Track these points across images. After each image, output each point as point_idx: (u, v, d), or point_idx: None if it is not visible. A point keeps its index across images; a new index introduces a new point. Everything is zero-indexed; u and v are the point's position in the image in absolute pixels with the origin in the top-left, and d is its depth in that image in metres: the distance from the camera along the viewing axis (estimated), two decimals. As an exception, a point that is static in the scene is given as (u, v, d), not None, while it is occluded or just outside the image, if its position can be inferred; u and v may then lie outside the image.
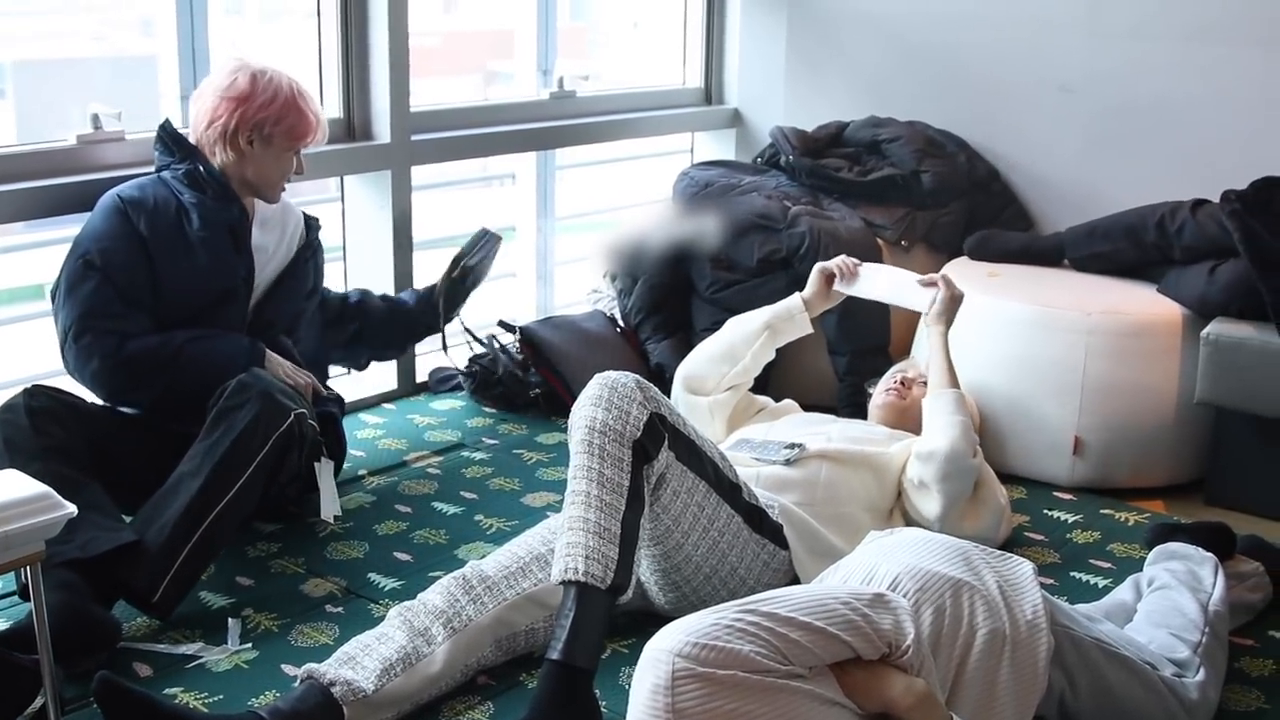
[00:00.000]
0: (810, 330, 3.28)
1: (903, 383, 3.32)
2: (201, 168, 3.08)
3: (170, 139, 3.13)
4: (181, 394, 2.96)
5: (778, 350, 3.29)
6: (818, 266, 3.30)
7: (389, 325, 3.66)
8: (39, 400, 2.81)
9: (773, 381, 3.65)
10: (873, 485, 2.96)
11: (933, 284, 3.19)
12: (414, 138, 3.99)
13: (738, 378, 3.21)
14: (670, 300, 4.12)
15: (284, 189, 3.21)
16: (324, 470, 3.03)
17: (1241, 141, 4.00)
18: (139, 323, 2.98)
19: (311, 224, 3.38)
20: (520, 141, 4.43)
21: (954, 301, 3.17)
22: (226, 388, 2.83)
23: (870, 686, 1.93)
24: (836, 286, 3.28)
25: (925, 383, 3.26)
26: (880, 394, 3.36)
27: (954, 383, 3.07)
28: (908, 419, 3.23)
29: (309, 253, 3.34)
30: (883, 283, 3.29)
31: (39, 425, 2.75)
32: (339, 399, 3.39)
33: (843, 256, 3.31)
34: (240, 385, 2.83)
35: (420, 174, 4.15)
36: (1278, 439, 3.43)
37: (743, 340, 3.23)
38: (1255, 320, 3.40)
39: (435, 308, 3.69)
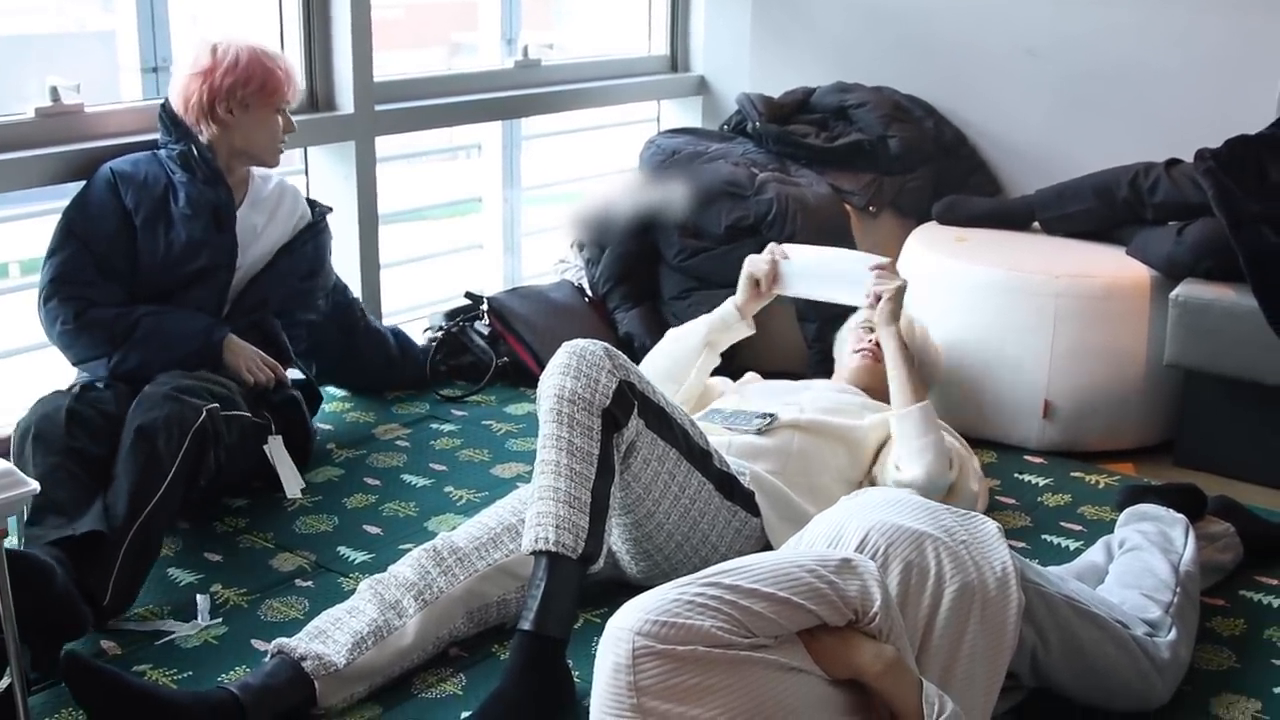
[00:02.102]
0: (752, 331, 3.24)
1: (876, 343, 3.31)
2: (195, 149, 3.16)
3: (169, 119, 3.20)
4: (139, 365, 2.98)
5: None
6: (745, 269, 3.23)
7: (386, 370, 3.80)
8: (81, 405, 2.84)
9: (742, 350, 3.63)
10: (845, 457, 2.95)
11: (882, 269, 3.09)
12: (377, 108, 3.96)
13: (686, 394, 3.16)
14: (638, 269, 4.10)
15: (281, 149, 3.28)
16: (275, 448, 3.05)
17: (1207, 104, 4.00)
18: (109, 293, 3.06)
19: (317, 208, 3.44)
20: (485, 111, 4.40)
21: (899, 295, 3.06)
22: (141, 398, 2.82)
23: (838, 654, 1.92)
24: (765, 290, 3.22)
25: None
26: (851, 354, 3.32)
27: (917, 389, 2.99)
28: (880, 380, 3.23)
29: (309, 234, 3.38)
30: (815, 278, 3.20)
31: (71, 428, 2.77)
32: (311, 384, 3.38)
33: (769, 250, 3.24)
34: (147, 393, 2.82)
35: (386, 145, 4.12)
36: (1246, 400, 3.44)
37: (685, 359, 3.18)
38: (1223, 281, 3.40)
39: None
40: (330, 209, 3.50)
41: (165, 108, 3.20)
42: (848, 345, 3.36)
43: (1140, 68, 4.15)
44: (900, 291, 3.05)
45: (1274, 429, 3.41)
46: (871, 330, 3.32)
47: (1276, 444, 3.37)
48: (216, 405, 2.82)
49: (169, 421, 2.73)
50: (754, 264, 3.22)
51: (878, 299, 3.04)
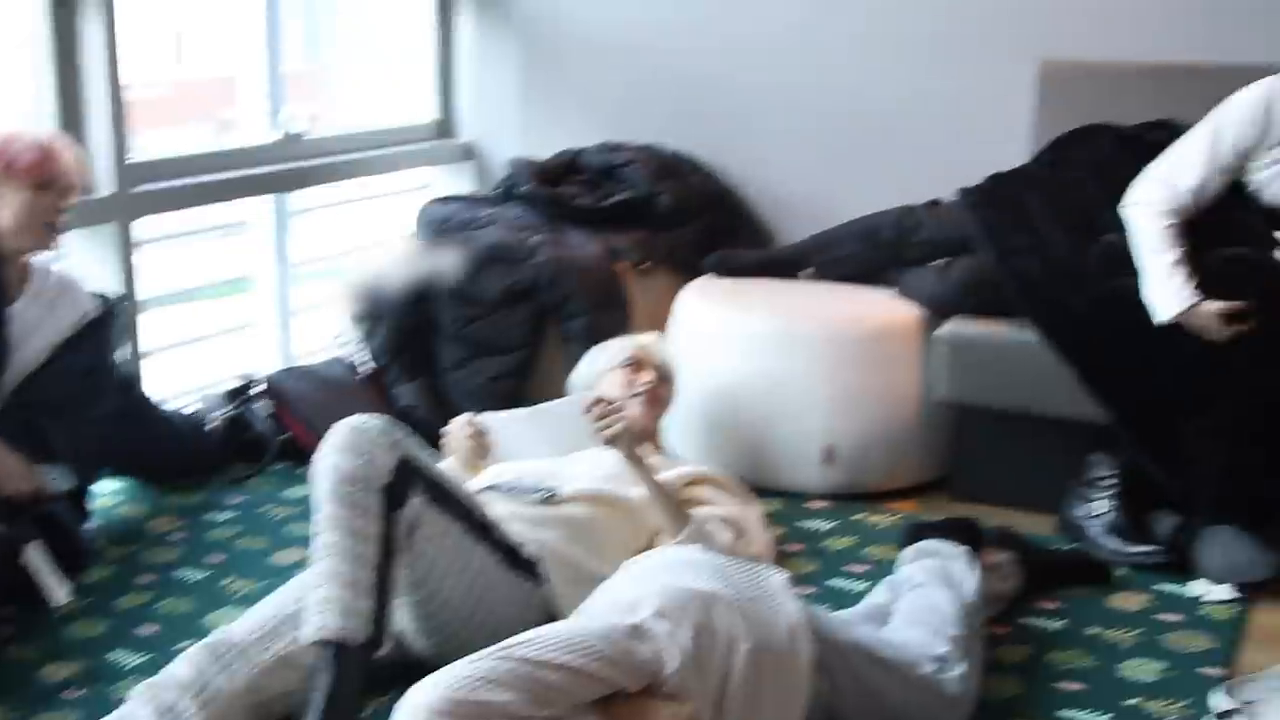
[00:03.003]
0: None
1: (649, 386, 3.29)
2: None
3: None
4: None
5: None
6: (448, 447, 3.12)
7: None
8: None
9: (532, 386, 3.60)
10: (627, 527, 2.91)
11: (593, 409, 2.87)
12: (137, 188, 3.84)
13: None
14: (415, 340, 4.05)
15: (53, 242, 3.15)
16: (34, 557, 2.87)
17: (962, 145, 4.14)
18: None
19: (106, 302, 3.29)
20: (250, 186, 4.30)
21: (626, 433, 2.86)
22: None
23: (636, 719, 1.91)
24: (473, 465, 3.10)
25: (664, 377, 3.29)
26: (625, 400, 3.19)
27: (677, 514, 2.85)
28: (654, 421, 3.23)
29: (89, 331, 3.21)
30: (529, 439, 3.10)
31: None
32: (80, 493, 3.24)
33: (464, 422, 3.14)
34: None
35: (149, 226, 4.02)
36: (1016, 431, 3.53)
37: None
38: (988, 316, 3.49)
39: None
40: (119, 298, 3.36)
41: None
42: (610, 389, 3.25)
43: (896, 113, 4.29)
44: (627, 428, 2.87)
45: (1044, 458, 3.51)
46: (638, 367, 3.32)
47: (1048, 472, 3.46)
48: None
49: None
50: (452, 444, 3.11)
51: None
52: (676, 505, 2.89)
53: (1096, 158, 3.56)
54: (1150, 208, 3.19)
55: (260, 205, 4.47)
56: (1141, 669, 2.71)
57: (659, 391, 3.32)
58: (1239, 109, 3.19)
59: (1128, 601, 3.03)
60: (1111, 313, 3.23)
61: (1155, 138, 3.45)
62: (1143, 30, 3.99)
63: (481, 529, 2.55)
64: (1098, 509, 3.28)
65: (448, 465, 3.02)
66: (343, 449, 2.37)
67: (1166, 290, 3.11)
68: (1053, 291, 3.32)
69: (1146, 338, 3.15)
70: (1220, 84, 3.30)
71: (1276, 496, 3.10)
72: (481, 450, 3.12)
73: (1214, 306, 3.05)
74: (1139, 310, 3.16)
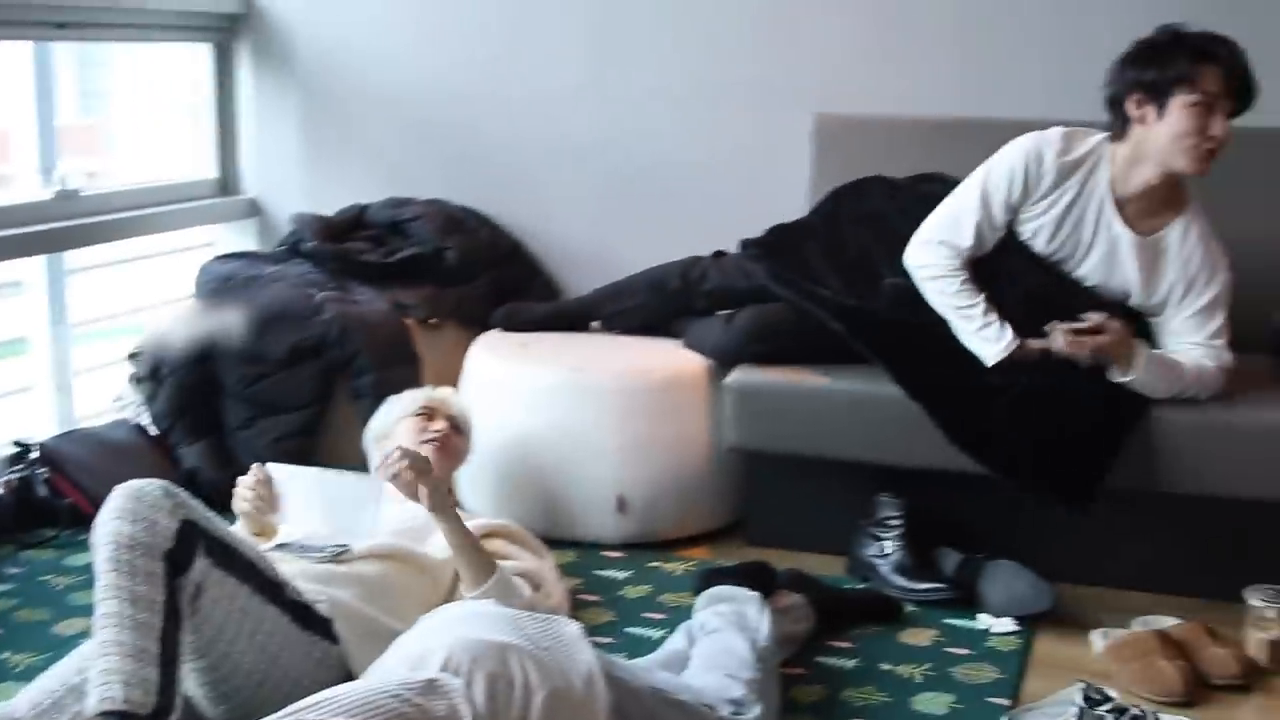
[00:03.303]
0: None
1: (442, 432, 3.28)
2: None
3: None
4: None
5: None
6: (239, 507, 2.99)
7: None
8: None
9: (323, 444, 3.54)
10: (425, 582, 2.89)
11: (390, 464, 2.85)
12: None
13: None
14: (199, 401, 3.96)
15: None
16: None
17: (743, 197, 4.23)
18: None
19: None
20: (21, 246, 4.15)
21: (436, 486, 2.86)
22: None
23: (435, 776, 1.89)
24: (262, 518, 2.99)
25: (457, 428, 3.28)
26: (418, 448, 3.14)
27: (483, 565, 2.85)
28: (448, 470, 3.22)
29: None
30: (318, 505, 2.94)
31: None
32: None
33: (250, 476, 3.00)
34: None
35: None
36: (805, 475, 3.60)
37: None
38: (772, 364, 3.55)
39: None
40: None
41: None
42: (405, 441, 3.20)
43: (679, 167, 4.37)
44: (438, 483, 2.88)
45: (832, 500, 3.59)
46: (431, 416, 3.30)
47: (835, 514, 3.54)
48: None
49: None
50: (240, 497, 2.98)
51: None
52: (481, 555, 2.87)
53: (870, 209, 3.69)
54: (938, 269, 3.34)
55: (35, 264, 4.32)
56: (933, 702, 2.78)
57: (452, 441, 3.31)
58: (1004, 164, 3.33)
59: (918, 637, 3.11)
60: (910, 310, 3.38)
61: (927, 189, 3.61)
62: (913, 86, 4.14)
63: (272, 589, 2.50)
64: (886, 548, 3.36)
65: (237, 527, 2.95)
66: (122, 514, 2.30)
67: (984, 340, 3.27)
68: (856, 306, 3.45)
69: (948, 333, 3.32)
70: (987, 137, 3.43)
71: (1093, 467, 3.22)
72: (269, 502, 3.04)
73: (1036, 344, 3.23)
74: (930, 313, 3.35)
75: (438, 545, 2.93)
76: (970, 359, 3.30)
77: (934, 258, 3.35)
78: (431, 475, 2.87)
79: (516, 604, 2.74)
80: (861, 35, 4.21)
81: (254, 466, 3.05)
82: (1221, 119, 3.10)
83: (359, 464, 3.48)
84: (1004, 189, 3.31)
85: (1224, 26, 3.11)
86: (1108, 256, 3.30)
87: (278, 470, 3.06)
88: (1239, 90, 3.09)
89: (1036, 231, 3.33)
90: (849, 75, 4.21)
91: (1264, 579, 3.05)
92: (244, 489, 3.02)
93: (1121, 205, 3.27)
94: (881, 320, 3.42)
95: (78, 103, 6.25)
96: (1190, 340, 3.28)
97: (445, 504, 2.88)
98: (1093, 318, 3.20)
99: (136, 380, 4.09)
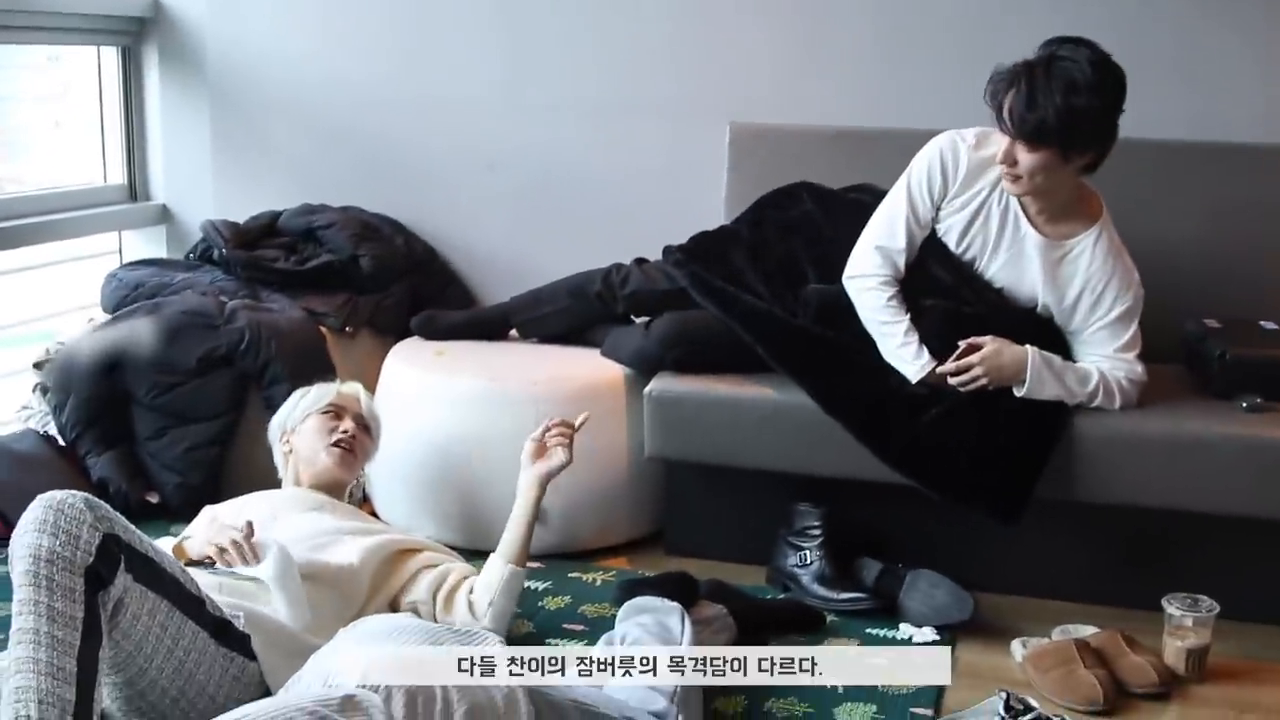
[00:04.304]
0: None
1: (353, 434, 3.25)
2: None
3: None
4: None
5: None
6: (212, 541, 2.74)
7: None
8: None
9: (235, 453, 3.45)
10: (335, 595, 2.82)
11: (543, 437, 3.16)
12: None
13: None
14: (108, 411, 3.87)
15: None
16: None
17: (662, 205, 4.23)
18: None
19: None
20: (-78, 254, 4.08)
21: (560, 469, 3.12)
22: None
23: (349, 794, 1.86)
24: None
25: (364, 428, 3.26)
26: (325, 449, 3.18)
27: (526, 550, 3.05)
28: (341, 486, 3.18)
29: None
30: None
31: None
32: None
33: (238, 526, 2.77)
34: None
35: None
36: (724, 485, 3.60)
37: None
38: (692, 372, 3.55)
39: None
40: None
41: None
42: (310, 439, 3.21)
43: (595, 175, 4.37)
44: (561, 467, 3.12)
45: (751, 509, 3.59)
46: (338, 415, 3.26)
47: (755, 523, 3.53)
48: None
49: None
50: (221, 536, 2.75)
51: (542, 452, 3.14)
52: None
53: (798, 214, 3.70)
54: (872, 279, 3.36)
55: (-67, 272, 4.23)
56: (855, 713, 2.77)
57: (360, 441, 3.27)
58: (923, 160, 3.38)
59: (839, 647, 3.10)
60: (834, 315, 3.40)
61: (855, 196, 3.64)
62: (828, 97, 4.16)
63: (192, 604, 2.44)
64: (806, 558, 3.36)
65: (162, 542, 2.86)
66: (42, 527, 2.24)
67: (904, 358, 3.30)
68: (774, 318, 3.45)
69: (866, 347, 3.34)
70: (901, 148, 3.47)
71: (1022, 481, 3.24)
72: (253, 551, 2.77)
73: (948, 368, 3.24)
74: (854, 320, 3.36)
75: (341, 553, 2.90)
76: (888, 371, 3.31)
77: (869, 266, 3.37)
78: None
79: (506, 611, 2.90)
80: (778, 47, 4.21)
81: (244, 522, 2.79)
82: (1023, 150, 3.13)
83: (271, 473, 3.42)
84: (925, 183, 3.35)
85: (1111, 43, 3.13)
86: (1015, 258, 3.34)
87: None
88: (1027, 134, 3.11)
89: (950, 229, 3.36)
90: (765, 86, 4.22)
91: (1181, 588, 3.08)
92: (227, 538, 2.73)
93: (1026, 206, 3.31)
94: (794, 331, 3.43)
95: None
96: (1100, 353, 3.32)
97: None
98: (961, 346, 3.24)
99: (43, 390, 4.00)
